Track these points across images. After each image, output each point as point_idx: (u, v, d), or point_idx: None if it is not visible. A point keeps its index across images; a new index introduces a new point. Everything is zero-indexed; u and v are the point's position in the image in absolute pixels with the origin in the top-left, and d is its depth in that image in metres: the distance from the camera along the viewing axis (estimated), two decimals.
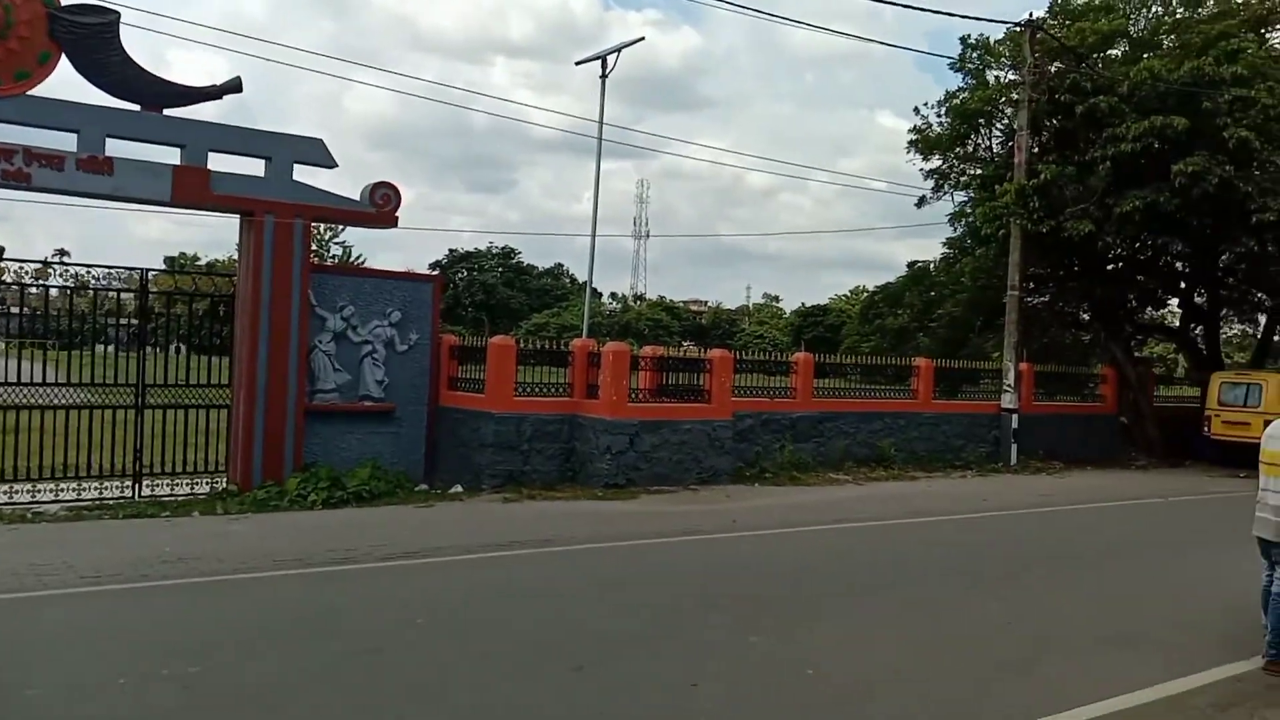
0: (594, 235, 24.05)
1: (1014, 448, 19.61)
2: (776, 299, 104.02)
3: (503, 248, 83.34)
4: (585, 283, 28.94)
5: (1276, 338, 27.88)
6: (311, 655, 6.10)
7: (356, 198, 13.75)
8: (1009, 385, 20.02)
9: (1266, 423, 6.88)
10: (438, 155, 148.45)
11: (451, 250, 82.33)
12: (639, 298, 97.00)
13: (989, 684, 5.99)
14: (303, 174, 13.26)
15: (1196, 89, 18.90)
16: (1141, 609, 8.11)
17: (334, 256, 54.20)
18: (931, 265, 29.53)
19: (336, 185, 13.61)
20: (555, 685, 5.65)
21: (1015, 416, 19.79)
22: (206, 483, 12.78)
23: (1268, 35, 24.32)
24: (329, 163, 13.38)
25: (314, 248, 17.59)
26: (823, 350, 23.18)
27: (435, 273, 27.69)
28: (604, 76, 23.13)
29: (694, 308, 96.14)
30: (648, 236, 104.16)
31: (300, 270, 13.13)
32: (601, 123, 23.39)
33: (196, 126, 12.42)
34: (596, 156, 24.66)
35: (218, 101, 12.87)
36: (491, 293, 79.73)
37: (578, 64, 24.61)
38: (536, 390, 14.59)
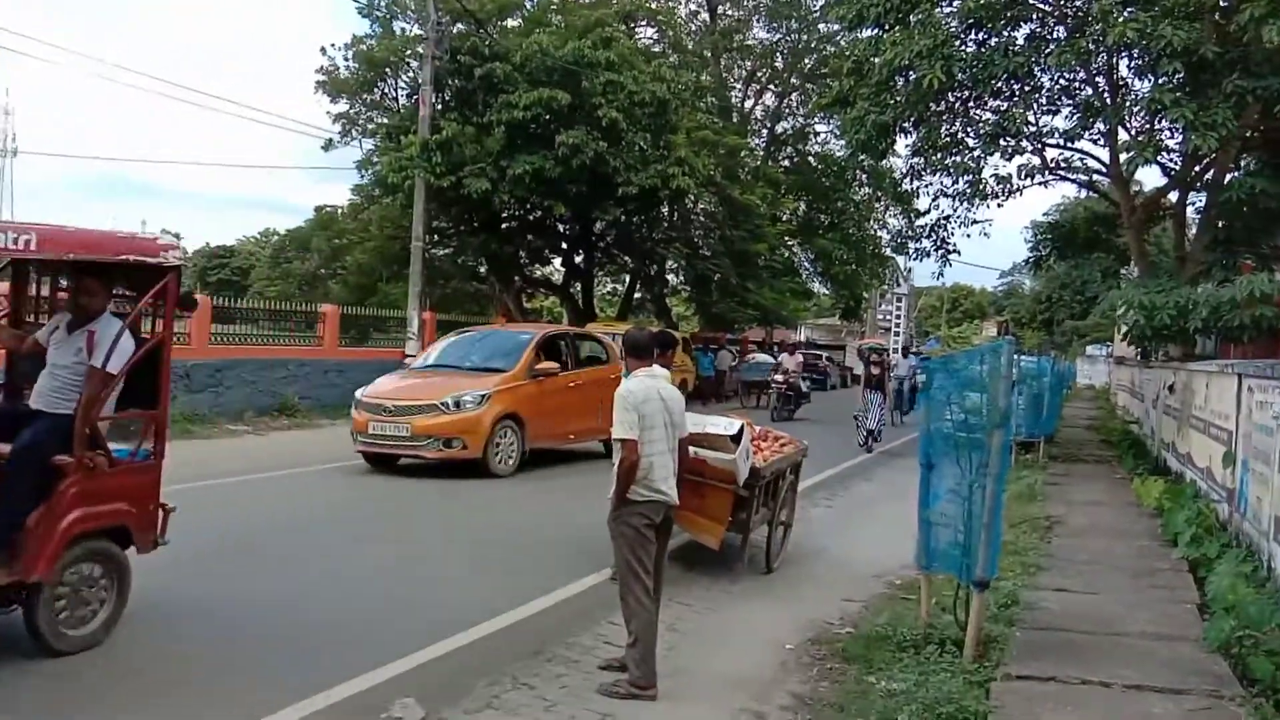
0: None
1: None
2: (178, 236, 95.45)
3: None
4: None
5: (637, 295, 32.67)
6: None
7: None
8: (413, 333, 20.70)
9: None
10: None
11: None
12: None
13: (378, 623, 6.15)
14: None
15: (578, 68, 21.08)
16: (514, 536, 8.95)
17: None
18: (340, 211, 29.34)
19: None
20: None
21: None
22: None
23: (635, 29, 28.05)
24: None
25: None
26: (229, 294, 21.85)
27: None
28: None
29: None
30: (15, 154, 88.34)
31: None
32: None
33: None
34: None
35: None
36: None
37: None
38: None
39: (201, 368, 16.03)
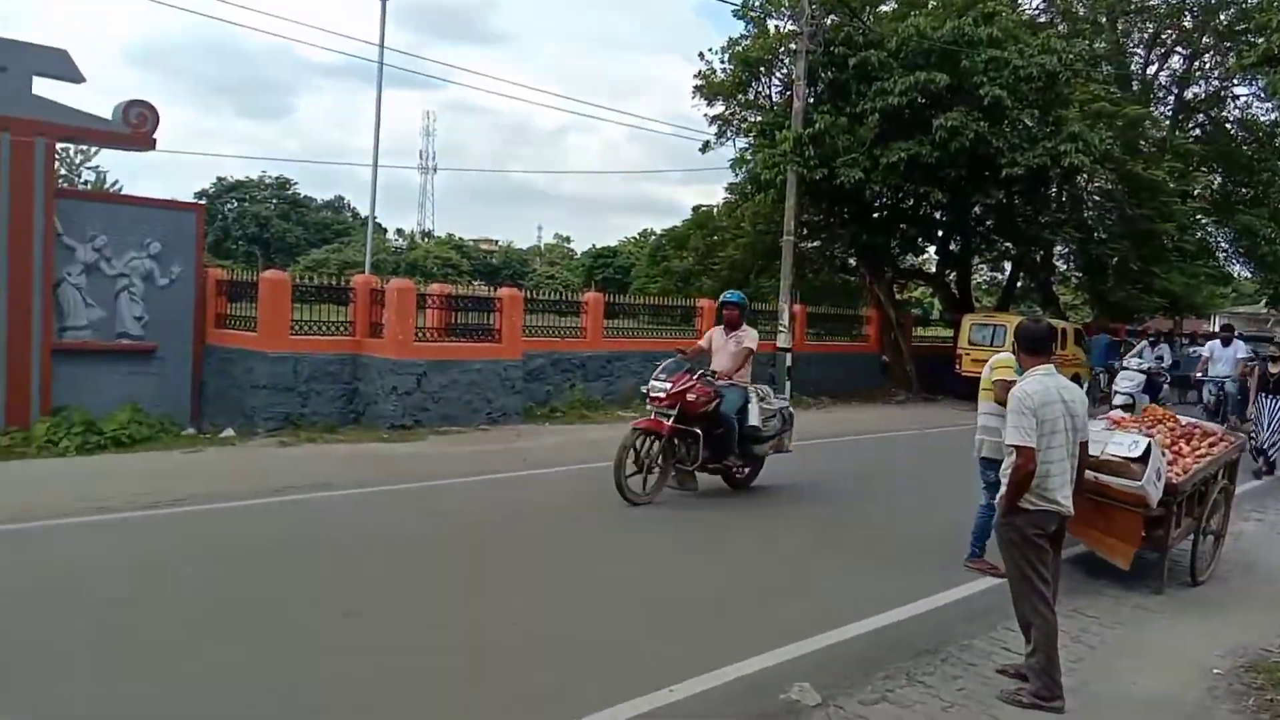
0: (375, 165, 23.22)
1: (788, 384, 20.65)
2: (568, 239, 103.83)
3: (277, 177, 78.66)
4: (368, 217, 27.88)
5: (1019, 284, 30.70)
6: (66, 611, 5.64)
7: (109, 116, 12.57)
8: (784, 325, 20.98)
9: None
10: (206, 77, 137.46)
11: (220, 179, 76.90)
12: (426, 234, 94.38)
13: (774, 607, 6.35)
14: (44, 89, 11.96)
15: (956, 48, 20.16)
16: (905, 532, 8.80)
17: (86, 183, 49.31)
18: (715, 210, 30.38)
19: (89, 106, 12.41)
20: (322, 630, 5.49)
21: (789, 355, 20.80)
22: None
23: (1019, 1, 26.34)
24: (75, 76, 12.12)
25: (63, 172, 16.01)
26: (613, 291, 23.57)
27: (198, 202, 25.84)
28: None
29: (484, 246, 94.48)
30: (435, 171, 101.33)
31: (44, 195, 11.91)
32: (382, 47, 22.48)
33: None
34: (378, 83, 23.69)
35: None
36: (266, 225, 75.15)
37: None
38: (315, 329, 13.96)
39: (595, 359, 17.38)
